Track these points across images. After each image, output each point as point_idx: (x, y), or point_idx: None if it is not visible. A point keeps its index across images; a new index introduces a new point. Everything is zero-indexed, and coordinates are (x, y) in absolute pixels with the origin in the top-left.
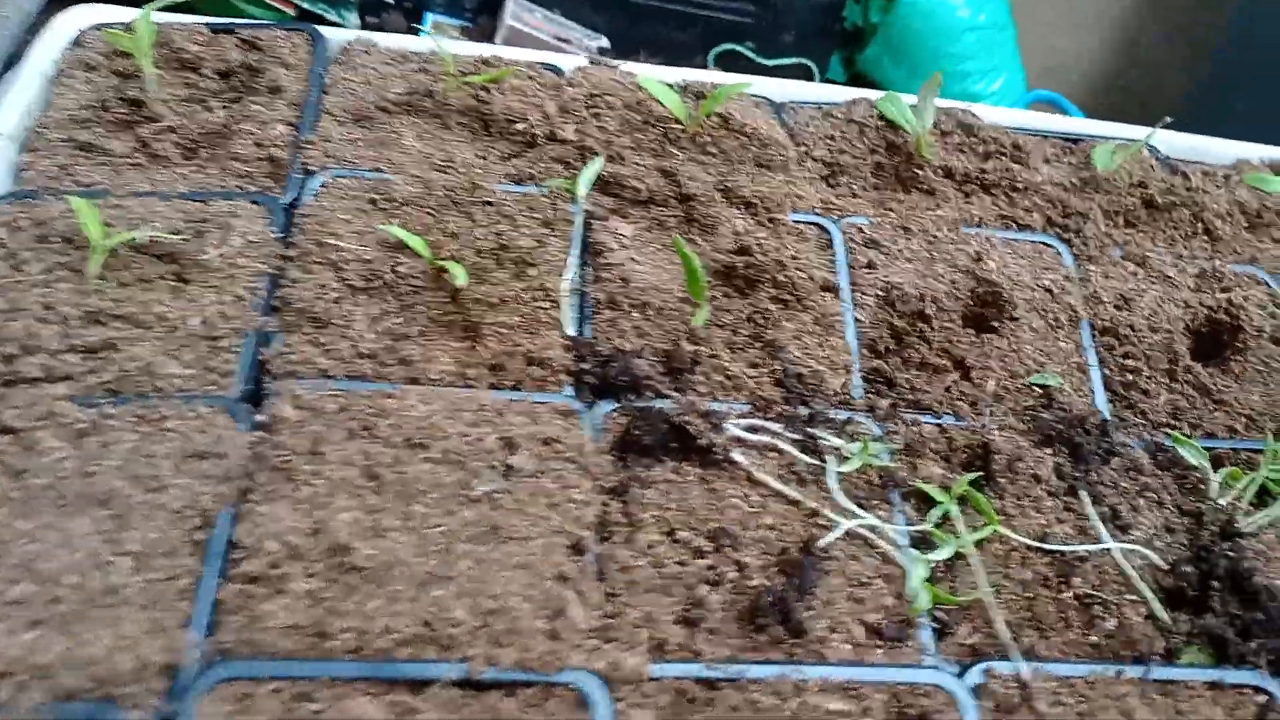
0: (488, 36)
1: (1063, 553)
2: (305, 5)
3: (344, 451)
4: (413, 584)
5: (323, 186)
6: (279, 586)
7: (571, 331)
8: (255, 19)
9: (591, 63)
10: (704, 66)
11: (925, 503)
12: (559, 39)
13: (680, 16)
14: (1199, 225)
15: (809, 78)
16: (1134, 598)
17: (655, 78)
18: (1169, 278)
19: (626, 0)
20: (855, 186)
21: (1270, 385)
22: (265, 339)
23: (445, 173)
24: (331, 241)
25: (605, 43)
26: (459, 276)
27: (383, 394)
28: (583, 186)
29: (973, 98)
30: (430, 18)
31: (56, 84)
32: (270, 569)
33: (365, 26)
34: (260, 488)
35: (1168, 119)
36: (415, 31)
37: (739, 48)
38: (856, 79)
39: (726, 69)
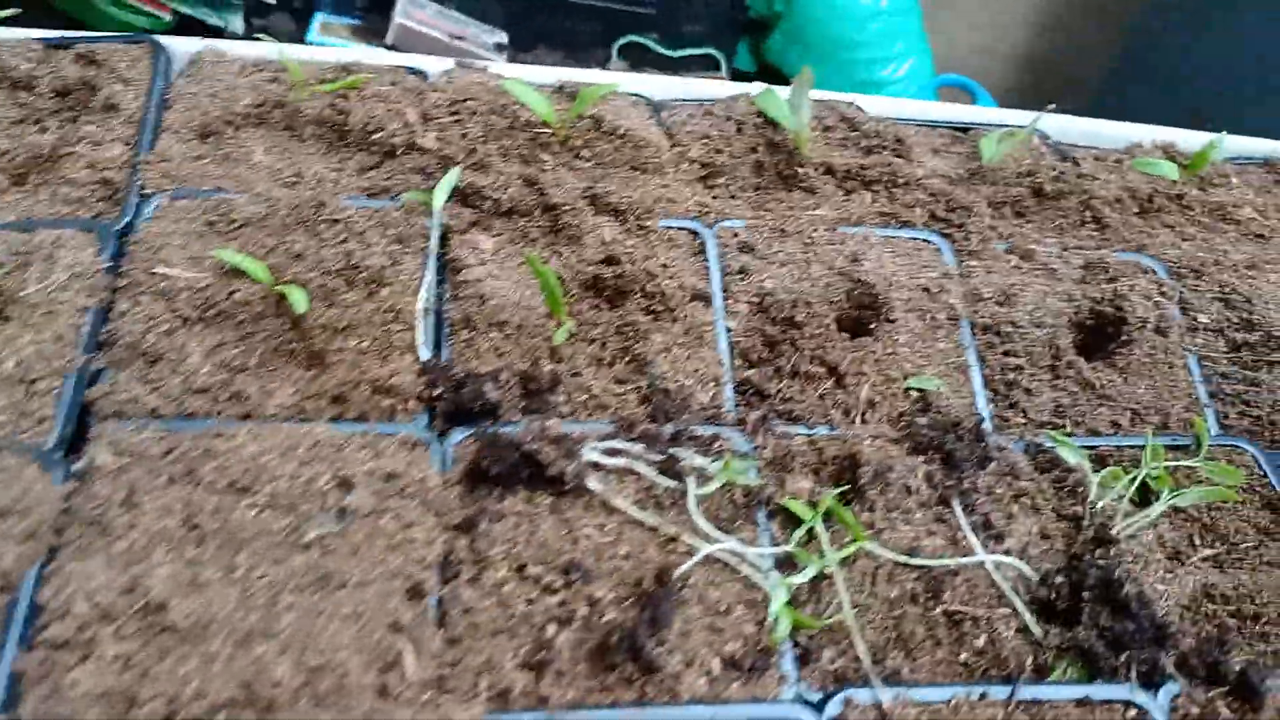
0: (380, 35)
1: (931, 567)
2: (184, 10)
3: (164, 500)
4: (232, 642)
5: (158, 210)
6: (87, 651)
7: (425, 354)
8: (129, 25)
9: (459, 65)
10: (607, 60)
11: (794, 520)
12: (453, 36)
13: (582, 9)
14: (1088, 213)
15: (715, 68)
16: (1006, 611)
17: (524, 79)
18: (1053, 270)
19: None
20: (733, 187)
21: (1156, 378)
22: (91, 379)
23: (294, 189)
24: (163, 270)
25: (503, 38)
26: (299, 302)
27: (212, 433)
28: (439, 199)
29: (878, 84)
30: (319, 17)
31: None
32: (78, 632)
33: (250, 29)
34: (71, 544)
35: (1051, 105)
36: (304, 32)
37: (643, 40)
38: (765, 68)
39: (632, 62)
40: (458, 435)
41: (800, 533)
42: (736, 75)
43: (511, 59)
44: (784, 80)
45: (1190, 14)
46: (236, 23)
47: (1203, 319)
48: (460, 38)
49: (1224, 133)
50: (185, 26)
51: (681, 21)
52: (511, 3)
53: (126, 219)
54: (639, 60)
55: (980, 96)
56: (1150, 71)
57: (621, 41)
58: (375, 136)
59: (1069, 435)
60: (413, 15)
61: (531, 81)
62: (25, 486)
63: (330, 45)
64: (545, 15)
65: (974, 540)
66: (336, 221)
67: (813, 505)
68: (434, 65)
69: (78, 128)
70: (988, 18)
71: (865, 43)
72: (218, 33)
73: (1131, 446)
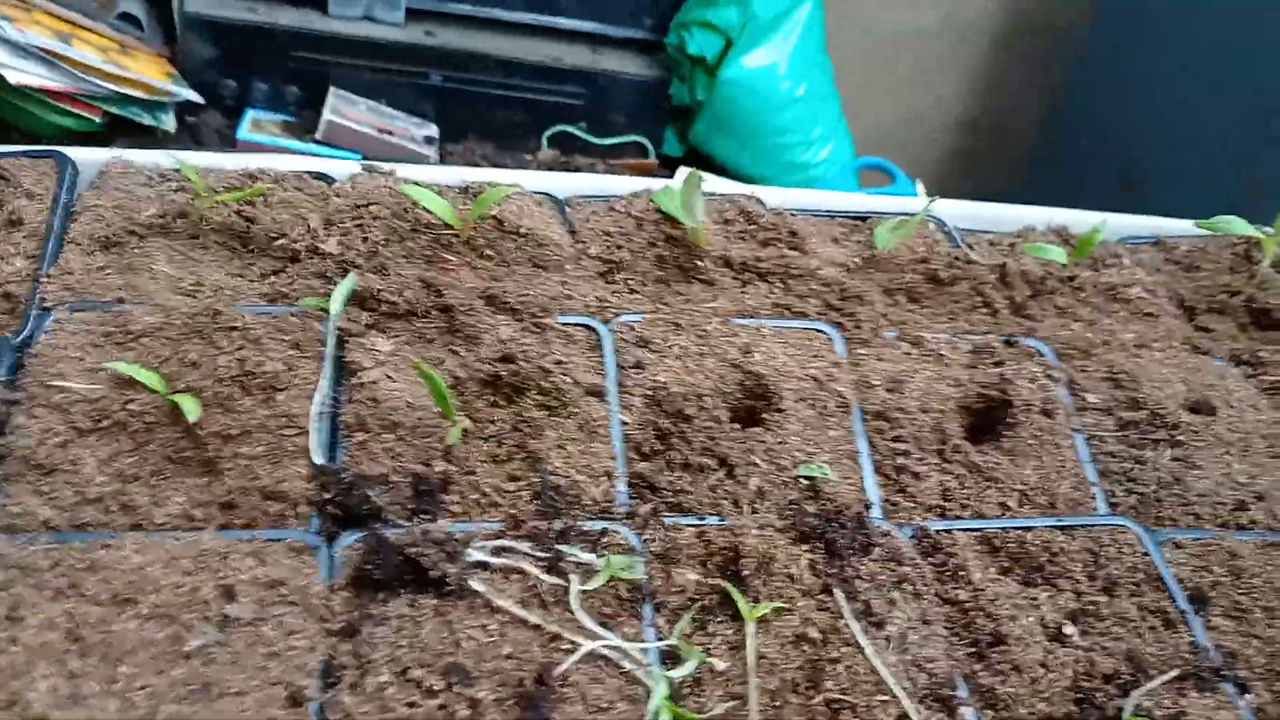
0: (311, 130)
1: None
2: (115, 111)
3: (46, 614)
4: None
5: (55, 323)
6: None
7: (319, 459)
8: (60, 127)
9: (365, 169)
10: (538, 149)
11: (679, 615)
12: (382, 130)
13: (510, 100)
14: (979, 299)
15: (644, 154)
16: (885, 698)
17: (428, 181)
18: (942, 356)
19: (453, 87)
20: (633, 282)
21: (1043, 459)
22: None
23: (193, 297)
24: (58, 382)
25: (434, 130)
26: (191, 411)
27: (99, 545)
28: (336, 304)
29: (800, 168)
30: (250, 114)
31: None
32: None
33: (183, 126)
34: None
35: (936, 196)
36: (235, 129)
37: (571, 129)
38: (692, 152)
39: (562, 150)
40: (346, 539)
41: (681, 626)
42: (665, 160)
43: (441, 151)
44: (711, 164)
45: (1120, 74)
46: (169, 121)
47: (1091, 399)
48: (389, 132)
49: (1112, 215)
50: (116, 125)
51: (609, 110)
52: (442, 95)
53: (26, 332)
54: (569, 149)
55: (898, 177)
56: (1082, 131)
57: (551, 131)
58: (278, 242)
59: (957, 519)
60: (342, 112)
61: (436, 183)
62: None
63: (261, 141)
64: (475, 106)
65: (855, 627)
66: (233, 329)
67: (698, 598)
68: (342, 170)
69: None
70: (916, 92)
71: (785, 128)
72: (151, 131)
73: (1018, 528)
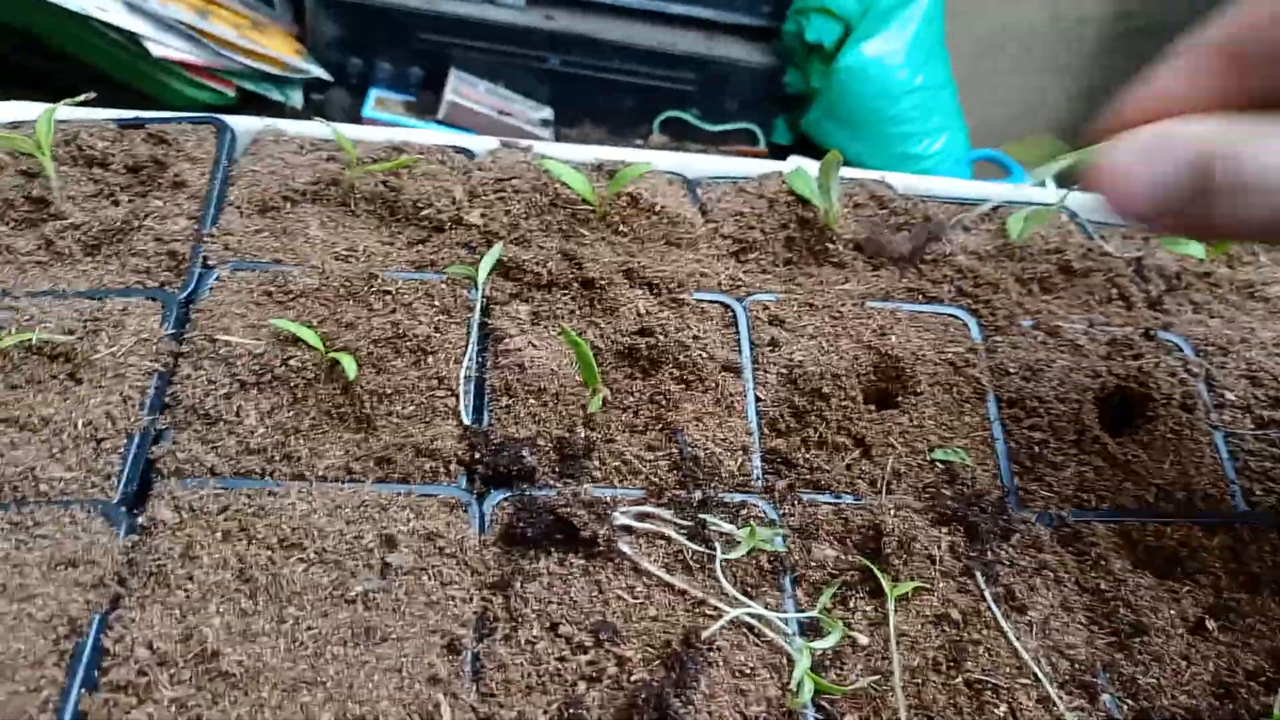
0: (432, 110)
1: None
2: (248, 86)
3: (219, 555)
4: (280, 690)
5: (218, 280)
6: (145, 695)
7: (468, 420)
8: (195, 101)
9: (504, 145)
10: (649, 134)
11: (818, 587)
12: (501, 111)
13: (623, 85)
14: (1114, 290)
15: (753, 142)
16: (1026, 681)
17: (563, 159)
18: (1079, 346)
19: (569, 71)
20: (764, 262)
21: (1181, 454)
22: (155, 438)
23: (347, 262)
24: (223, 336)
25: (549, 114)
26: (350, 368)
27: (265, 492)
28: (483, 273)
29: (914, 159)
30: (374, 93)
31: None
32: (138, 677)
33: (309, 104)
34: (132, 593)
35: (1076, 185)
36: (360, 107)
37: (683, 115)
38: (802, 140)
39: (673, 136)
40: (495, 497)
41: (824, 599)
42: (774, 148)
43: (557, 134)
44: (821, 153)
45: None
46: (296, 98)
47: (1230, 396)
48: (507, 114)
49: None
50: (247, 100)
51: (721, 97)
52: (558, 79)
53: (190, 289)
54: (679, 134)
55: (1014, 170)
56: None
57: (663, 116)
58: (424, 212)
59: (1094, 510)
60: (463, 93)
61: (570, 160)
62: (92, 538)
63: (384, 120)
64: (590, 91)
65: (996, 610)
66: (386, 293)
67: (839, 573)
68: (480, 145)
69: (147, 202)
70: (1022, 88)
71: (901, 118)
72: (279, 107)
73: (1157, 522)
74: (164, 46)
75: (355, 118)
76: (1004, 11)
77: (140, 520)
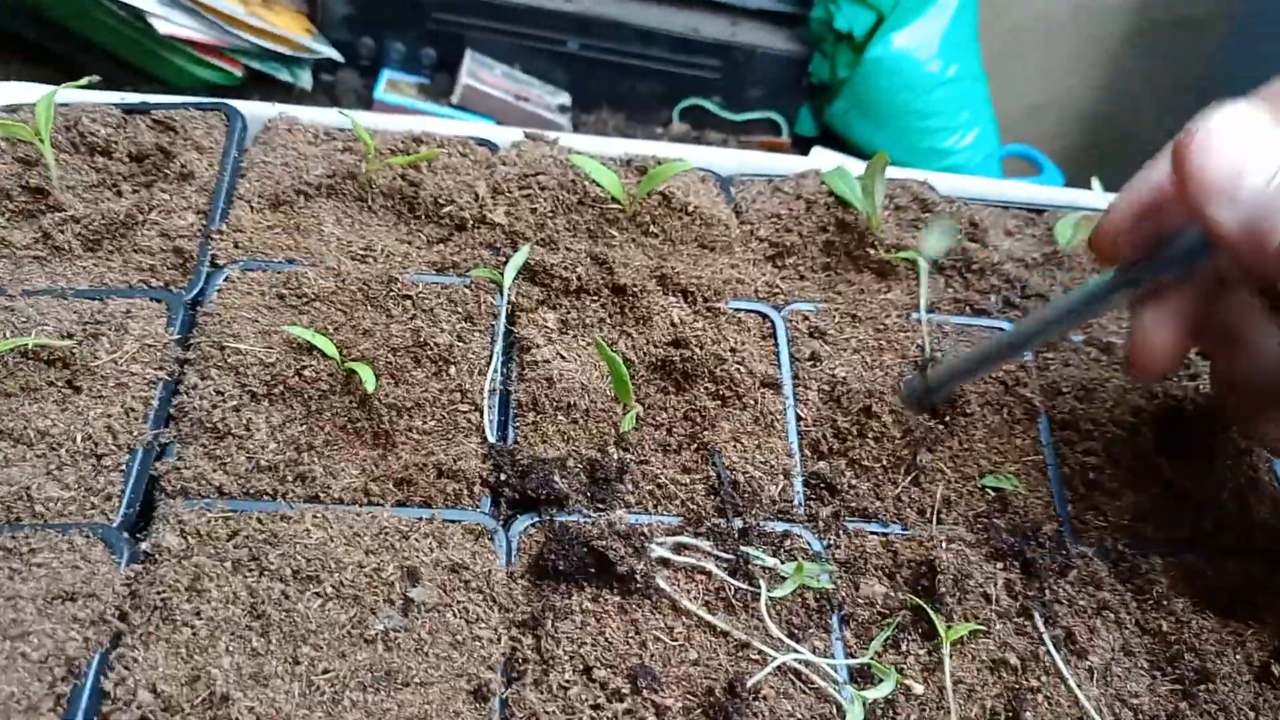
0: (446, 94)
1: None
2: (255, 65)
3: (229, 587)
4: None
5: (228, 281)
6: None
7: (492, 437)
8: (201, 80)
9: (528, 137)
10: (669, 121)
11: (867, 628)
12: (518, 96)
13: (644, 71)
14: None
15: (776, 132)
16: None
17: (593, 154)
18: None
19: (588, 55)
20: (803, 268)
21: (1240, 481)
22: (158, 453)
23: (364, 263)
24: (233, 343)
25: (566, 99)
26: (368, 380)
27: (278, 515)
28: (509, 277)
29: (943, 154)
30: (386, 75)
31: None
32: None
33: (318, 85)
34: (135, 630)
35: None
36: (371, 89)
37: (705, 102)
38: (826, 131)
39: (694, 124)
40: (522, 523)
41: (876, 644)
42: (797, 139)
43: (574, 119)
44: (845, 145)
45: (1261, 73)
46: (306, 78)
47: None
48: (524, 99)
49: None
50: (255, 80)
51: (744, 85)
52: (577, 63)
53: (197, 289)
54: (700, 122)
55: (1045, 167)
56: None
57: (684, 104)
58: (445, 209)
59: (1151, 541)
60: (479, 76)
61: (598, 154)
62: (92, 568)
63: (396, 103)
64: (610, 76)
65: (1056, 655)
66: (407, 297)
67: (887, 612)
68: (503, 136)
69: (152, 194)
70: (1045, 79)
71: (931, 111)
72: (287, 88)
73: (1216, 554)
74: (170, 23)
75: (366, 100)
76: (1023, 4)
77: (144, 547)
